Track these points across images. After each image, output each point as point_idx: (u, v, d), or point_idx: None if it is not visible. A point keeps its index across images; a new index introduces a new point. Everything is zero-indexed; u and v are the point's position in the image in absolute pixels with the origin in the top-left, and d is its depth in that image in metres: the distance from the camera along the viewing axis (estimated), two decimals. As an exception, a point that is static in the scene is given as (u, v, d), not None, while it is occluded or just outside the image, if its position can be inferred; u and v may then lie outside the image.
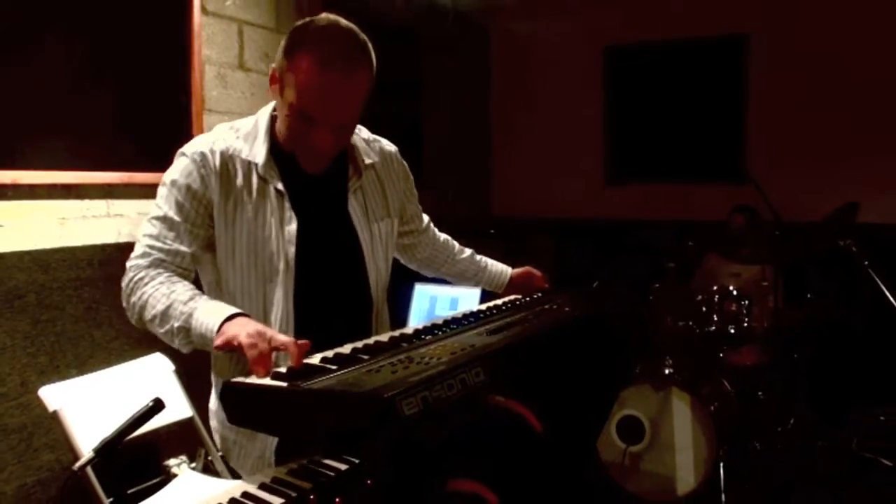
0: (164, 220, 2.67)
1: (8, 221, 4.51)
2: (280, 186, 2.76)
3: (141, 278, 2.60)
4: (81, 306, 4.94)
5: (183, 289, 2.55)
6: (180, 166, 2.72)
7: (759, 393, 6.60)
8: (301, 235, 2.77)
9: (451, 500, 1.88)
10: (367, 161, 3.01)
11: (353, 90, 2.61)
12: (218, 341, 2.28)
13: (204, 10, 5.66)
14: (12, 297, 4.55)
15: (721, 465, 5.52)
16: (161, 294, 2.53)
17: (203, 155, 2.71)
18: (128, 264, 2.67)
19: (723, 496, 5.40)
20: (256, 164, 2.74)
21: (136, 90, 5.20)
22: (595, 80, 9.87)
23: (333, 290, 2.91)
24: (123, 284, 2.65)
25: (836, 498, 5.81)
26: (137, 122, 5.18)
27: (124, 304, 2.67)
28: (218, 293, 2.80)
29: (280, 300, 2.75)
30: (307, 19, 2.64)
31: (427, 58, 8.93)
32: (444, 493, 1.88)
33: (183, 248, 2.67)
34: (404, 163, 3.28)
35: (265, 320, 2.71)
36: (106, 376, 4.48)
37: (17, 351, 4.58)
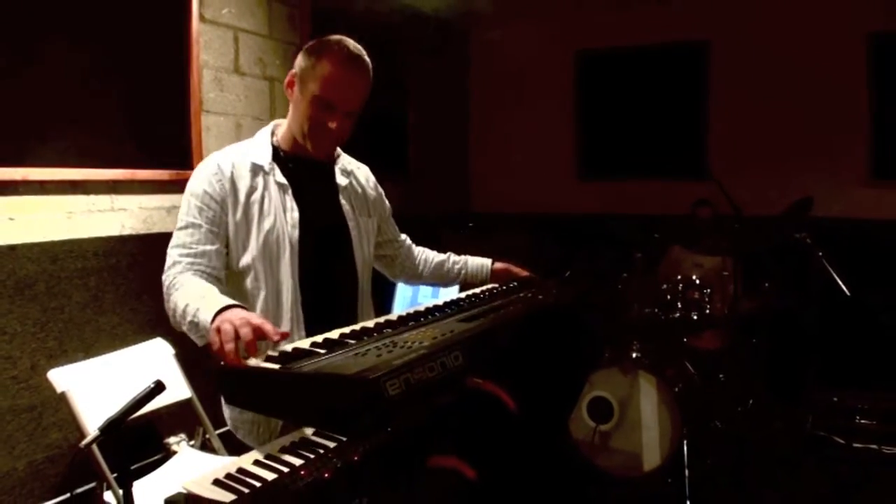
0: (187, 227, 2.92)
1: (19, 215, 4.51)
2: (282, 180, 3.07)
3: (171, 284, 2.82)
4: (87, 294, 4.94)
5: (199, 289, 2.71)
6: (198, 178, 2.99)
7: (720, 375, 6.62)
8: (302, 222, 3.06)
9: (431, 475, 1.89)
10: (350, 167, 3.42)
11: (363, 86, 3.02)
12: (211, 336, 2.31)
13: (202, 18, 5.66)
14: (23, 285, 4.55)
15: (685, 442, 5.53)
16: (182, 296, 2.71)
17: (217, 164, 3.00)
18: (163, 277, 2.88)
19: (686, 472, 5.41)
20: (262, 165, 3.06)
21: (139, 92, 5.20)
22: (567, 83, 9.87)
23: (329, 270, 3.18)
24: (164, 292, 2.86)
25: (791, 473, 5.84)
26: (140, 122, 5.17)
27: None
28: (238, 279, 3.03)
29: (287, 278, 3.00)
30: (325, 37, 3.03)
31: (410, 62, 8.92)
32: (426, 468, 1.89)
33: (208, 247, 2.90)
34: (379, 186, 3.63)
35: (278, 295, 3.02)
36: (110, 360, 4.48)
37: (27, 336, 4.58)
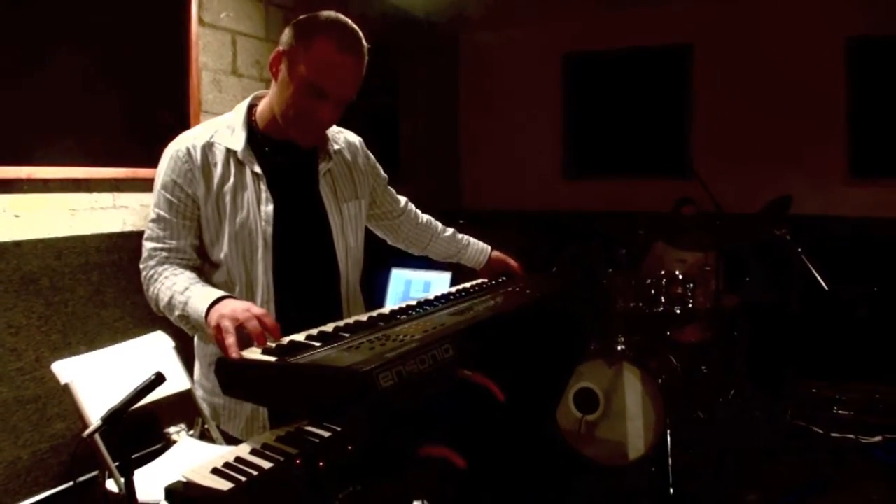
0: (159, 221, 2.74)
1: (24, 212, 4.51)
2: (257, 170, 2.79)
3: (150, 276, 2.72)
4: (90, 289, 4.94)
5: (182, 280, 2.61)
6: (167, 166, 2.77)
7: (703, 367, 6.63)
8: (277, 215, 2.81)
9: (423, 464, 1.90)
10: (336, 147, 3.06)
11: (359, 73, 2.70)
12: (210, 329, 2.30)
13: (201, 22, 5.66)
14: (28, 280, 4.55)
15: (668, 432, 5.55)
16: (165, 288, 2.62)
17: (187, 150, 2.75)
18: (140, 265, 2.77)
19: (669, 460, 5.42)
20: (235, 151, 2.77)
21: (141, 93, 5.20)
22: (554, 85, 9.88)
23: (306, 264, 2.94)
24: (143, 282, 2.76)
25: (771, 462, 5.86)
26: (141, 122, 5.18)
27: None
28: (212, 272, 2.84)
29: (261, 274, 2.79)
30: (317, 12, 2.71)
31: (402, 66, 8.95)
32: (417, 457, 1.89)
33: (181, 243, 2.74)
34: (370, 153, 3.30)
35: (251, 292, 2.80)
36: (112, 352, 4.48)
37: (32, 329, 4.58)
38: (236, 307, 2.30)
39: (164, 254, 2.72)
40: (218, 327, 2.24)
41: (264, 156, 2.85)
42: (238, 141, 2.79)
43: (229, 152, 2.79)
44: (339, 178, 3.07)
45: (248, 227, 2.77)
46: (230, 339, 2.16)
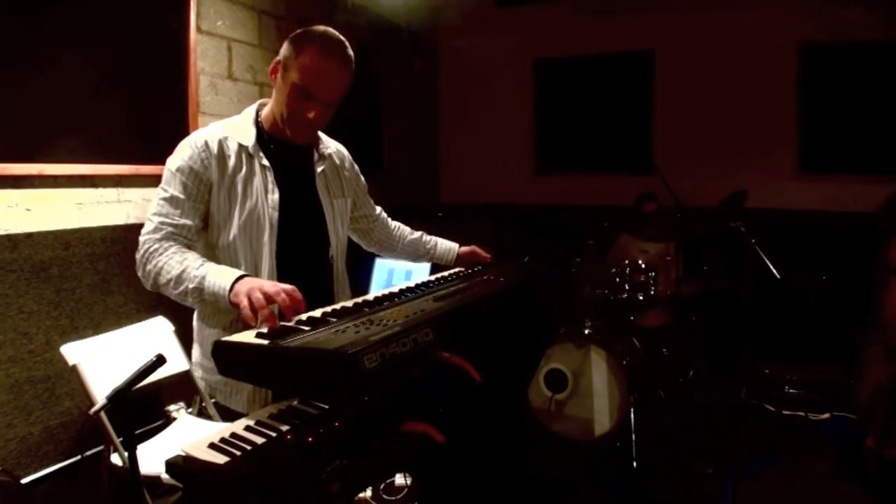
0: (170, 200, 2.77)
1: (35, 206, 4.50)
2: (265, 162, 2.92)
3: (155, 249, 2.70)
4: (96, 277, 4.93)
5: (193, 257, 2.66)
6: (185, 153, 2.83)
7: (664, 350, 6.66)
8: (282, 204, 2.93)
9: (404, 440, 1.91)
10: (327, 151, 3.24)
11: (342, 78, 2.86)
12: (242, 301, 2.32)
13: (199, 30, 5.65)
14: (38, 269, 4.54)
15: (632, 410, 5.56)
16: (175, 262, 2.63)
17: (205, 142, 2.84)
18: (141, 239, 2.76)
19: (633, 436, 5.44)
20: (247, 146, 2.90)
21: (143, 96, 5.18)
22: (526, 88, 9.87)
23: (304, 249, 3.06)
24: (138, 256, 2.75)
25: (728, 437, 5.88)
26: (143, 122, 5.17)
27: (139, 274, 2.75)
28: (215, 256, 2.88)
29: (267, 256, 2.87)
30: (311, 27, 2.85)
31: (385, 70, 8.94)
32: (399, 433, 1.90)
33: (188, 222, 2.77)
34: (354, 163, 3.47)
35: (256, 272, 2.86)
36: (117, 336, 4.47)
37: (42, 315, 4.58)
38: (265, 283, 2.37)
39: (171, 229, 2.74)
40: (248, 299, 2.30)
41: (269, 152, 2.97)
42: (249, 137, 2.94)
43: (241, 147, 2.91)
44: (331, 178, 3.23)
45: (256, 212, 2.88)
46: (265, 311, 2.24)
